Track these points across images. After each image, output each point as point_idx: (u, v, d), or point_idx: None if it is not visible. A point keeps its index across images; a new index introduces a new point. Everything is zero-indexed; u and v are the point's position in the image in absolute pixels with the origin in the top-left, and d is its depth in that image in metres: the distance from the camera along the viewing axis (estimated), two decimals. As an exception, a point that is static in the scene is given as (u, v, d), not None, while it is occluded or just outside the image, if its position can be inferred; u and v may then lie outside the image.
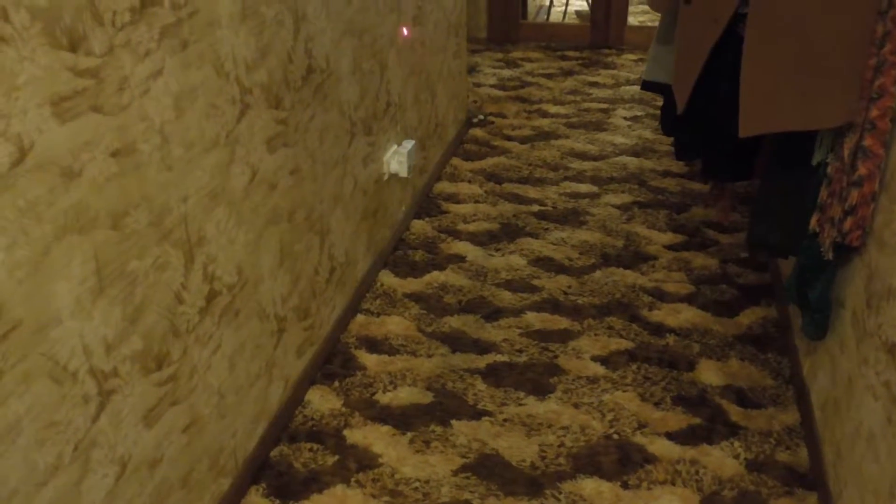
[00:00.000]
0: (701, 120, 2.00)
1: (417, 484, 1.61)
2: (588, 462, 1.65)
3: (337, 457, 1.68)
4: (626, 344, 2.03)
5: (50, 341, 1.03)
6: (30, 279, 0.99)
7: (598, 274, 2.35)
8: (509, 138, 3.38)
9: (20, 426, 1.00)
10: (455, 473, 1.63)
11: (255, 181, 1.54)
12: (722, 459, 1.65)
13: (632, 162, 3.11)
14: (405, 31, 2.45)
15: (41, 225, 1.00)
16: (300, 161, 1.74)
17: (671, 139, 3.31)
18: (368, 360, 1.98)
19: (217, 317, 1.44)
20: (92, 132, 1.06)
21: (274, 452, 1.69)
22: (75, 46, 1.01)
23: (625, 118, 3.57)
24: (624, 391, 1.86)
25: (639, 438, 1.72)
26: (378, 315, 2.16)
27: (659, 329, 2.09)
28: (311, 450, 1.70)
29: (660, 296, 2.23)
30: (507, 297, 2.24)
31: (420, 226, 2.63)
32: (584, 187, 2.91)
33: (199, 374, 1.40)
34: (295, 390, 1.82)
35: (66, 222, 1.04)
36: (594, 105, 3.74)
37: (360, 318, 2.14)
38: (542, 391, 1.86)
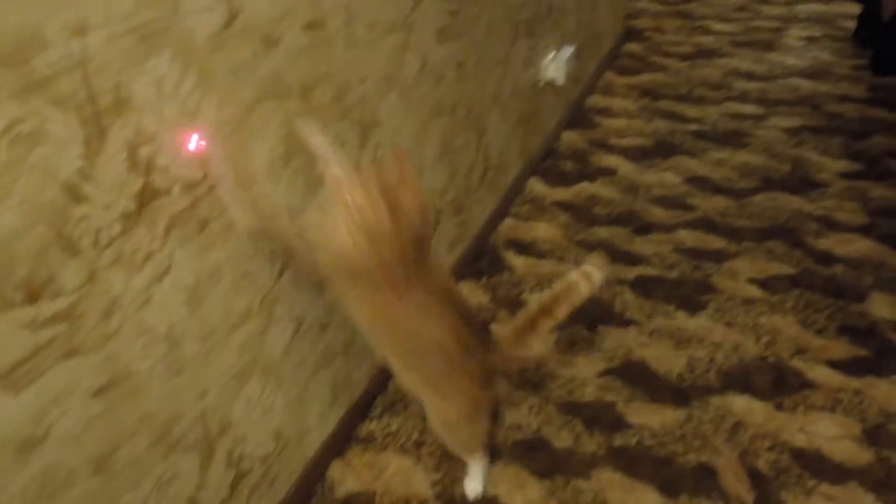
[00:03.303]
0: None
1: (562, 381, 1.63)
2: (740, 380, 1.60)
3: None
4: (787, 269, 1.92)
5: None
6: (235, 136, 1.06)
7: (759, 197, 2.21)
8: (668, 55, 3.20)
9: (221, 272, 1.09)
10: (600, 375, 1.64)
11: (424, 70, 1.55)
12: (890, 393, 1.55)
13: (804, 84, 2.87)
14: None
15: (245, 87, 1.06)
16: (466, 55, 1.73)
17: (865, 53, 3.01)
18: (516, 261, 1.99)
19: (383, 199, 1.49)
20: (290, 1, 1.10)
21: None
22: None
23: (799, 38, 3.27)
24: (783, 316, 1.77)
25: (797, 363, 1.64)
26: (526, 220, 2.16)
27: (826, 258, 1.95)
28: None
29: (829, 224, 2.08)
30: (658, 213, 2.17)
31: (571, 137, 2.57)
32: (748, 108, 2.72)
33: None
34: (444, 283, 1.87)
35: (265, 88, 1.10)
36: (764, 23, 3.45)
37: (508, 221, 2.15)
38: (692, 307, 1.81)
